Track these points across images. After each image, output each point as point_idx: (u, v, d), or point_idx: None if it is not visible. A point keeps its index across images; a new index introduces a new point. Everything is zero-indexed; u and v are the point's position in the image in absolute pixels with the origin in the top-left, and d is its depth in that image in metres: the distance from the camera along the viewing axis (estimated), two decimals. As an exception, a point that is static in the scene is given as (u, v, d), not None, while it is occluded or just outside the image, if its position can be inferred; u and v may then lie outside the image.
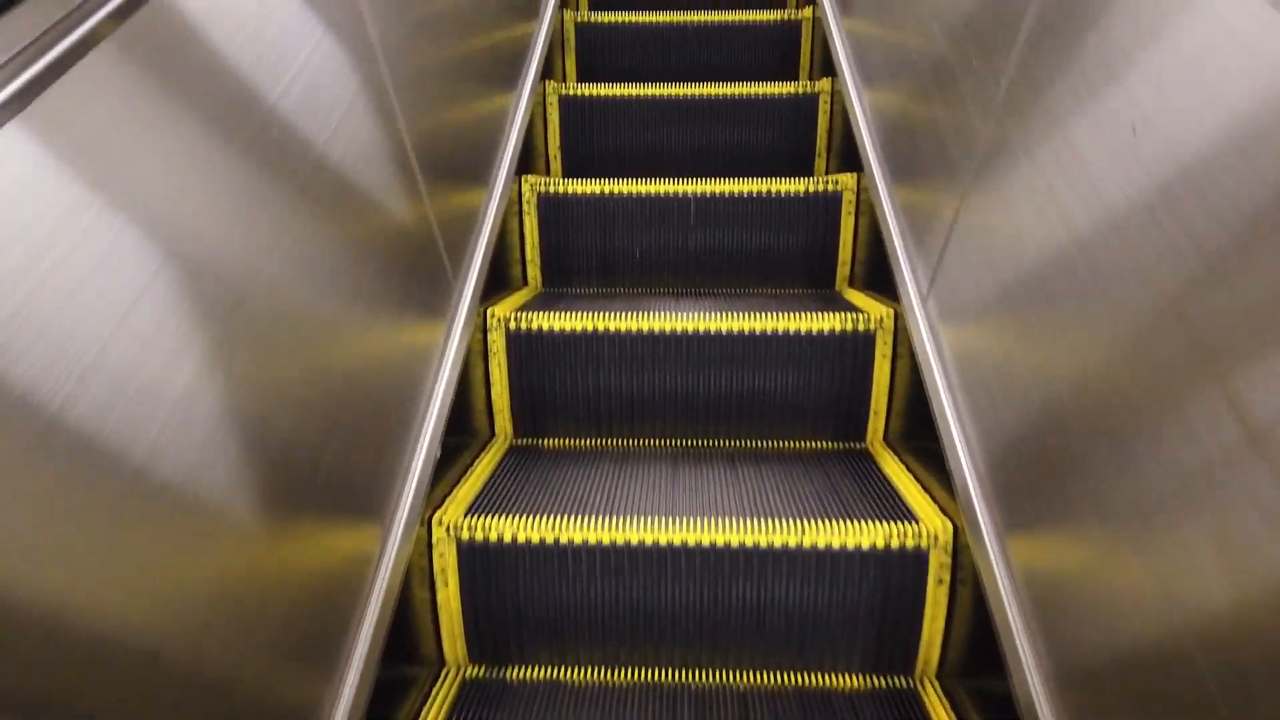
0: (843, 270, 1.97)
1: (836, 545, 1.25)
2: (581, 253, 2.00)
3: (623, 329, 1.61)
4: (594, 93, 2.28)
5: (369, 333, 1.13)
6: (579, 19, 2.58)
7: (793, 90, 2.26)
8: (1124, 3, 0.89)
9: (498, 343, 1.62)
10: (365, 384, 1.10)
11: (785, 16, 2.55)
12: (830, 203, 1.92)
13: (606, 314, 1.62)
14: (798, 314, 1.59)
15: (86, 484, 0.57)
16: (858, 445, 1.65)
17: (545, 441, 1.68)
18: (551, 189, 1.96)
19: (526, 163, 2.16)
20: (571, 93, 2.28)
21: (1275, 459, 0.57)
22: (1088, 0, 0.96)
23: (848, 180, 1.92)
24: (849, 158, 2.11)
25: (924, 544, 1.24)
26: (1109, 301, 0.83)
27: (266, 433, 0.82)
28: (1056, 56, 1.01)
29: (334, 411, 0.99)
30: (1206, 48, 0.73)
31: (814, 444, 1.65)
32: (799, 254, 1.96)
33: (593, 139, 2.31)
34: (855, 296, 1.84)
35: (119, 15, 0.68)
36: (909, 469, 1.49)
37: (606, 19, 2.58)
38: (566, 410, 1.66)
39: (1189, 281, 0.70)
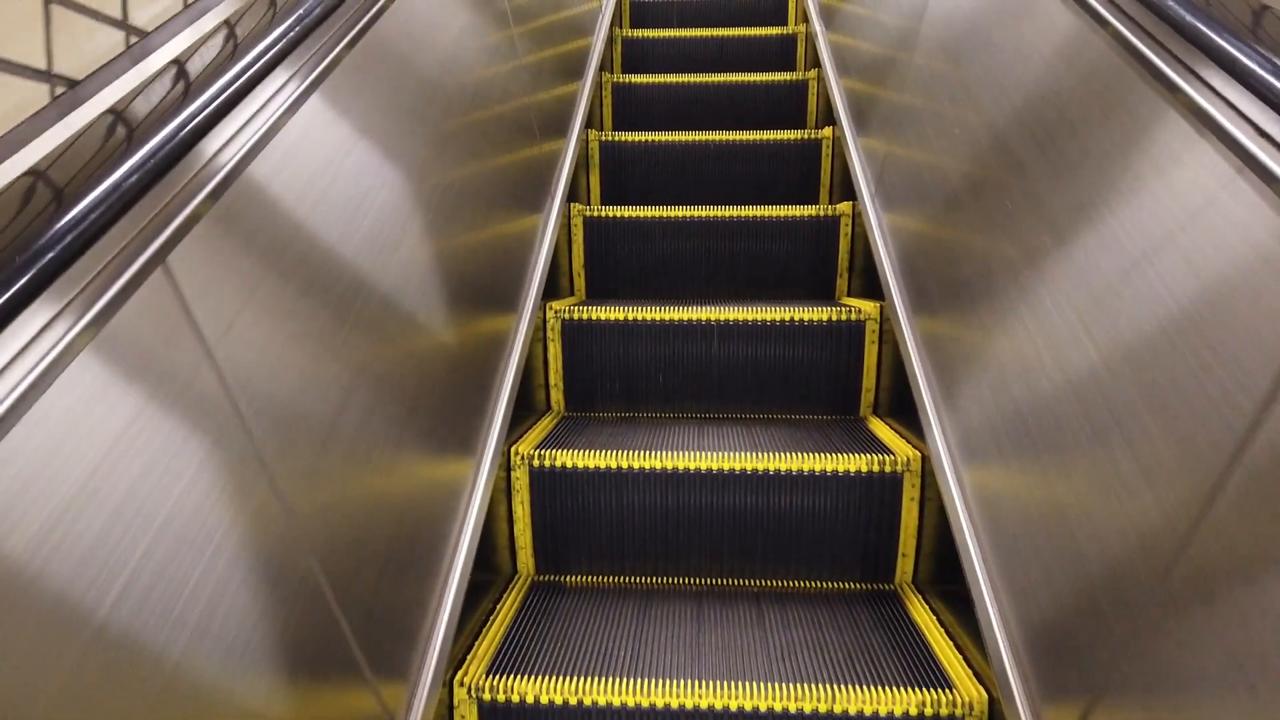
0: (866, 398, 1.96)
1: (869, 712, 1.21)
2: (604, 379, 2.00)
3: (645, 467, 1.60)
4: (618, 214, 2.33)
5: (394, 475, 1.13)
6: (603, 138, 2.65)
7: (813, 213, 2.29)
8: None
9: (521, 480, 1.62)
10: (390, 532, 1.09)
11: (805, 136, 2.61)
12: (853, 332, 1.93)
13: (629, 452, 1.61)
14: (823, 454, 1.58)
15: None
16: (886, 586, 1.62)
17: (568, 578, 1.65)
18: (575, 315, 1.98)
19: (551, 283, 2.19)
20: (596, 214, 2.33)
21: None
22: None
23: (870, 309, 1.93)
24: (871, 278, 2.12)
25: (959, 713, 1.21)
26: (1142, 462, 0.82)
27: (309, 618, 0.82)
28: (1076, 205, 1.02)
29: (362, 567, 0.98)
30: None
31: (842, 585, 1.62)
32: (822, 383, 1.96)
33: (616, 259, 2.35)
34: (880, 429, 1.83)
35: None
36: (940, 618, 1.46)
37: (630, 138, 2.64)
38: (589, 547, 1.64)
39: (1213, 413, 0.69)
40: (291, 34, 0.92)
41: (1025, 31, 1.32)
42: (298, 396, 0.87)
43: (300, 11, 0.96)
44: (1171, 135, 0.88)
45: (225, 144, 0.80)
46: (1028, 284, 1.17)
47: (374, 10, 1.19)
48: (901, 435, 1.73)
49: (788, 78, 2.93)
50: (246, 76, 0.81)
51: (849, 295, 2.31)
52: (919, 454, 1.56)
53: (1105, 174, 1.00)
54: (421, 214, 1.30)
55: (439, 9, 1.54)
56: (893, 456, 1.57)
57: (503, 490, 1.61)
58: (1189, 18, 0.86)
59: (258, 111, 0.86)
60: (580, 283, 2.37)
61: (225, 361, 0.74)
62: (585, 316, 1.98)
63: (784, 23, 3.56)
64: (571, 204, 2.33)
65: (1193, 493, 0.75)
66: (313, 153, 0.98)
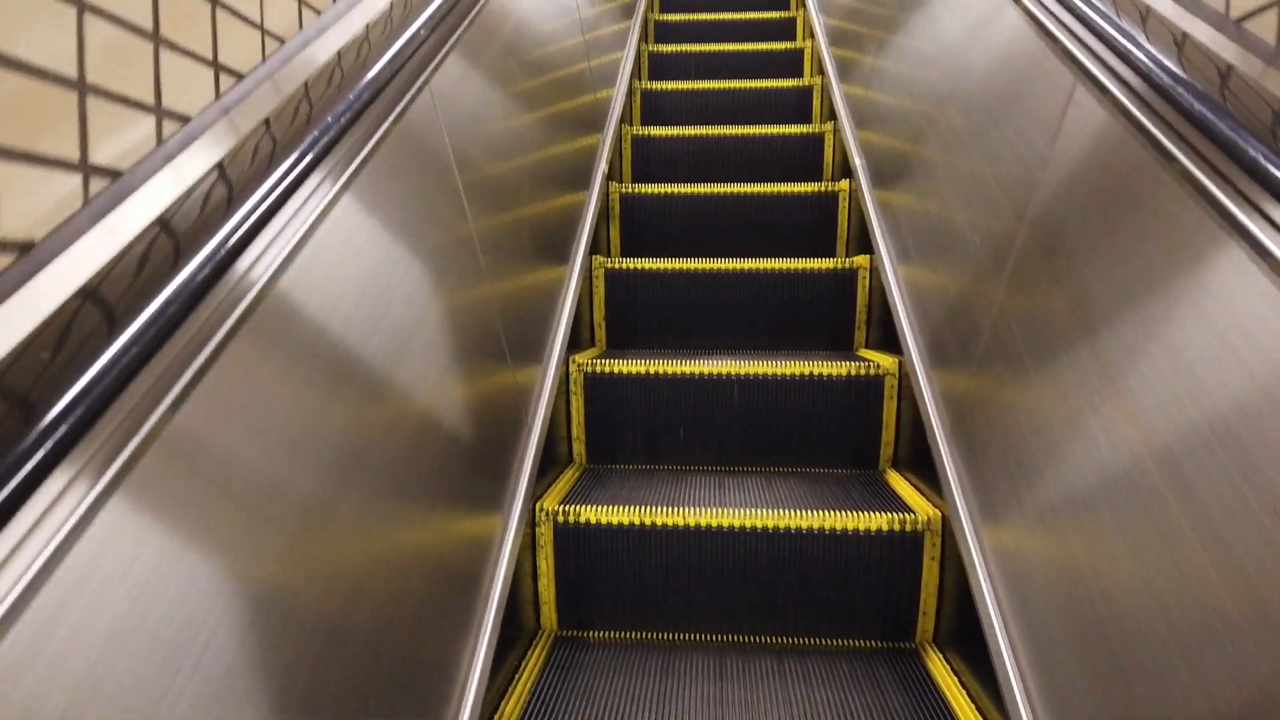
0: (885, 452, 1.98)
1: (891, 777, 1.22)
2: (626, 431, 2.04)
3: (668, 523, 1.62)
4: (639, 266, 2.37)
5: (425, 537, 1.16)
6: (624, 190, 2.70)
7: (831, 266, 2.33)
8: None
9: (545, 535, 1.64)
10: (421, 594, 1.12)
11: (822, 189, 2.65)
12: (871, 387, 1.96)
13: (652, 507, 1.64)
14: (844, 511, 1.60)
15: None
16: (907, 645, 1.63)
17: (591, 634, 1.67)
18: (598, 369, 2.02)
19: (573, 334, 2.24)
20: (617, 266, 2.38)
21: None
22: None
23: (889, 364, 1.96)
24: (889, 330, 2.15)
25: (982, 779, 1.21)
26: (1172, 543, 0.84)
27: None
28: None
29: (392, 627, 1.01)
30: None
31: (862, 642, 1.63)
32: (842, 436, 1.98)
33: (637, 310, 2.39)
34: (900, 484, 1.85)
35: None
36: (960, 678, 1.47)
37: (650, 190, 2.70)
38: (612, 603, 1.66)
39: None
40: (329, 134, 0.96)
41: (1047, 112, 1.36)
42: (328, 484, 0.91)
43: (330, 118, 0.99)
44: (1196, 238, 0.92)
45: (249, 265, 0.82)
46: (1050, 347, 1.19)
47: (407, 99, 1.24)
48: (921, 492, 1.75)
49: (804, 130, 2.99)
50: (280, 187, 0.83)
51: (867, 347, 2.34)
52: (939, 513, 1.58)
53: (1136, 265, 1.03)
54: (451, 283, 1.35)
55: (478, 81, 1.60)
56: (913, 515, 1.58)
57: (527, 547, 1.64)
58: (1212, 116, 0.89)
59: (287, 222, 0.87)
60: (601, 334, 2.41)
61: (266, 457, 0.78)
62: (608, 370, 2.02)
63: (800, 75, 3.63)
64: (594, 256, 2.38)
65: (1220, 583, 0.77)
66: (340, 254, 0.99)
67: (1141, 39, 1.05)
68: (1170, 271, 0.94)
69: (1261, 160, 0.79)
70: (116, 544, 0.58)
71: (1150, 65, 1.00)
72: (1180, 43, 1.03)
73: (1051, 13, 1.32)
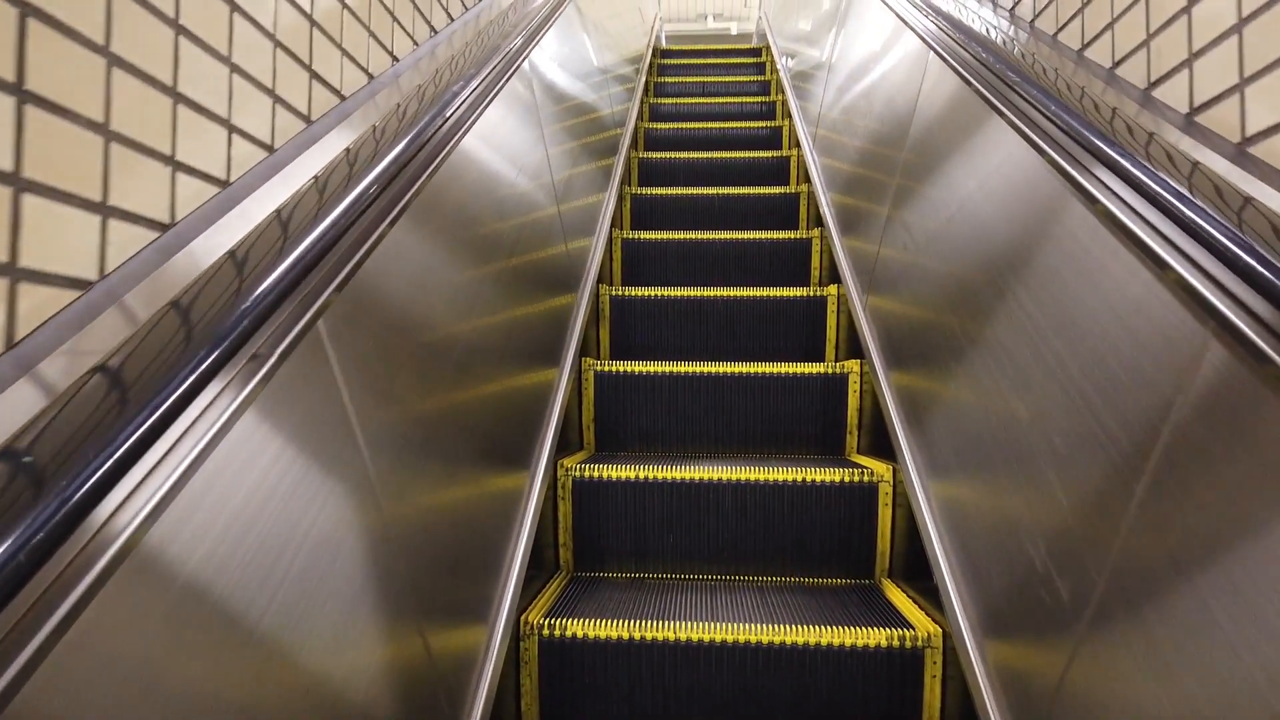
0: (881, 562, 1.93)
1: None
2: (615, 538, 1.98)
3: (658, 638, 1.56)
4: (629, 369, 2.36)
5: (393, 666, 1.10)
6: (614, 293, 2.72)
7: (821, 370, 2.33)
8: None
9: (530, 650, 1.57)
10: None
11: (810, 293, 2.68)
12: (865, 494, 1.92)
13: (641, 621, 1.58)
14: (842, 627, 1.54)
15: None
16: (909, 770, 1.54)
17: (576, 758, 1.58)
18: (587, 474, 1.98)
19: (563, 434, 2.20)
20: (607, 368, 2.36)
21: None
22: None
23: (882, 470, 1.93)
24: (881, 434, 2.13)
25: None
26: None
27: None
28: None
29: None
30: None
31: (863, 768, 1.55)
32: (835, 544, 1.94)
33: (626, 412, 2.37)
34: (897, 597, 1.79)
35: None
36: (969, 810, 1.38)
37: (640, 292, 2.72)
38: (599, 723, 1.58)
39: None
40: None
41: (1035, 223, 1.38)
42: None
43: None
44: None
45: None
46: (1049, 453, 1.17)
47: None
48: (920, 605, 1.70)
49: (791, 236, 3.04)
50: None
51: (859, 452, 2.31)
52: (940, 630, 1.52)
53: (1137, 381, 1.02)
54: (445, 390, 1.33)
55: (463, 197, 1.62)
56: (913, 632, 1.53)
57: (511, 662, 1.57)
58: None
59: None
60: (590, 436, 2.38)
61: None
62: (597, 475, 1.98)
63: (786, 183, 3.72)
64: (583, 358, 2.37)
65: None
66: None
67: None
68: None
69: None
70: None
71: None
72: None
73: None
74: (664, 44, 7.23)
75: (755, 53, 5.93)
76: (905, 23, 2.24)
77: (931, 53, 1.96)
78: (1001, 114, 1.47)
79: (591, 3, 3.56)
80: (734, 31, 10.47)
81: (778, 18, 5.85)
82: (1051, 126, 1.26)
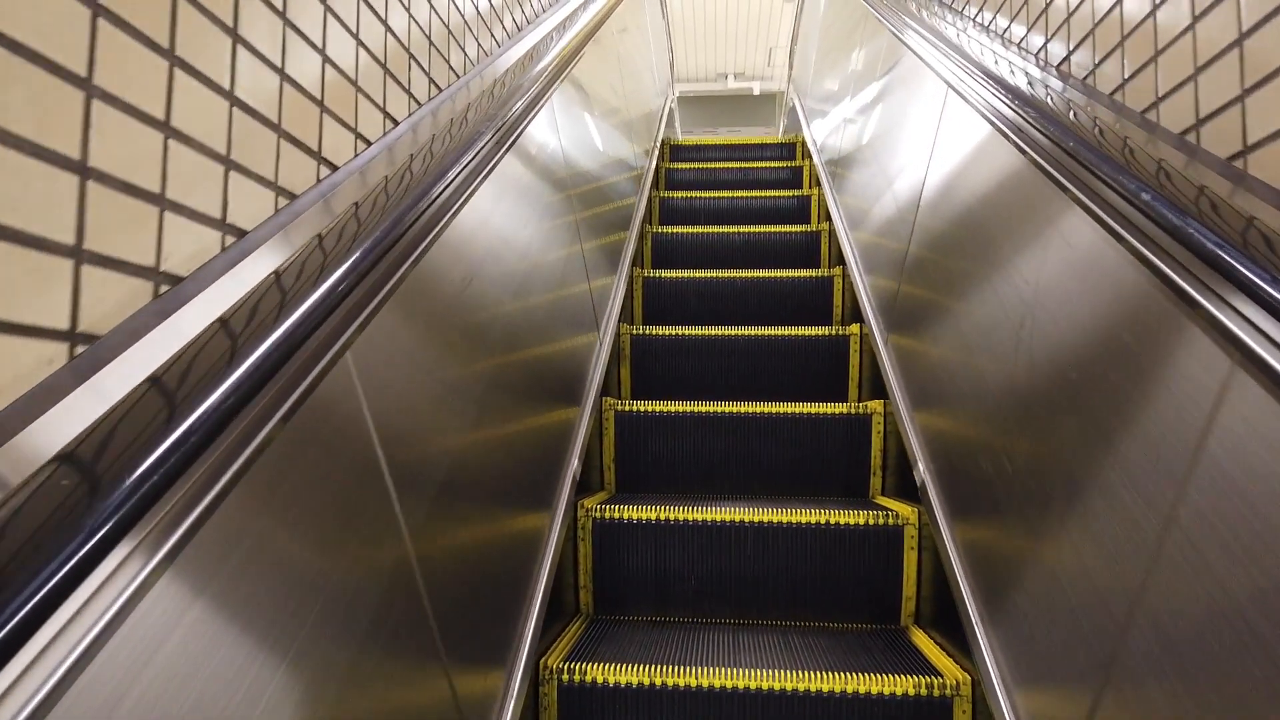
0: (908, 606, 1.89)
1: None
2: (635, 580, 1.96)
3: (680, 684, 1.53)
4: (650, 408, 2.35)
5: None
6: (634, 332, 2.72)
7: (844, 410, 2.30)
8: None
9: (550, 697, 1.55)
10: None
11: (832, 333, 2.66)
12: (890, 537, 1.89)
13: (662, 666, 1.55)
14: (868, 674, 1.51)
15: None
16: (939, 825, 1.49)
17: (595, 808, 1.54)
18: (607, 515, 1.96)
19: (584, 477, 2.19)
20: (627, 408, 2.35)
21: None
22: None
23: (908, 513, 1.90)
24: (906, 475, 2.10)
25: None
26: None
27: None
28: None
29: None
30: None
31: (890, 822, 1.50)
32: (861, 588, 1.90)
33: (648, 452, 2.35)
34: (924, 643, 1.75)
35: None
36: None
37: (660, 332, 2.71)
38: (619, 772, 1.54)
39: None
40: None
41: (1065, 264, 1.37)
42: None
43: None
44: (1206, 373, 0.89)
45: None
46: (1083, 493, 1.14)
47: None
48: (947, 652, 1.66)
49: (813, 274, 3.03)
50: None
51: (884, 494, 2.28)
52: (969, 677, 1.48)
53: (1154, 416, 1.00)
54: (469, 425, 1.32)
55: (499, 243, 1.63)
56: (941, 679, 1.49)
57: (530, 707, 1.54)
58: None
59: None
60: (610, 476, 2.36)
61: None
62: (617, 516, 1.96)
63: (807, 222, 3.73)
64: (604, 398, 2.37)
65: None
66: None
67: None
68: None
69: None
70: None
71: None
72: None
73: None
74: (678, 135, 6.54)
75: (789, 152, 4.84)
76: (967, 100, 2.24)
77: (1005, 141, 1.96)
78: (1089, 210, 1.21)
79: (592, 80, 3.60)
80: (756, 92, 10.23)
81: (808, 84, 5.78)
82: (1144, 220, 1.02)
